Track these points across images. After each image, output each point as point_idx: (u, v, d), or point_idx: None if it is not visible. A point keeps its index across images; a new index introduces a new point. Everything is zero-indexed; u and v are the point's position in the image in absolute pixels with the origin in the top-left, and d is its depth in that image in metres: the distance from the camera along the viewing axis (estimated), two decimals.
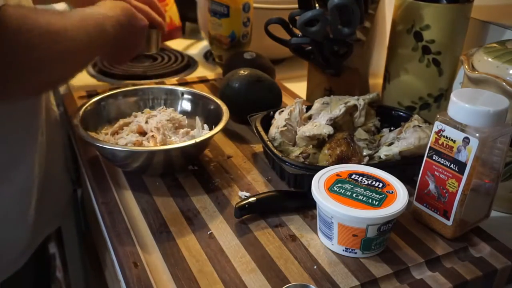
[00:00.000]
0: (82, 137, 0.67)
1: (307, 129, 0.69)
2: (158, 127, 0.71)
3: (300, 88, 0.98)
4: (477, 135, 0.52)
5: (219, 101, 0.75)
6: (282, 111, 0.75)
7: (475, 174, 0.54)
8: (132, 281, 0.52)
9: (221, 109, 0.73)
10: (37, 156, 0.73)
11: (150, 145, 0.69)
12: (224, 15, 0.97)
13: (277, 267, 0.54)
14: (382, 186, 0.56)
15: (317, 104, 0.76)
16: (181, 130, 0.73)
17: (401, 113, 0.78)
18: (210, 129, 0.73)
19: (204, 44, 1.28)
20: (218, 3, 0.97)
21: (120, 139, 0.71)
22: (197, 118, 0.76)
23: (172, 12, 1.24)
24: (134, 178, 0.69)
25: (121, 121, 0.75)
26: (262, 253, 0.56)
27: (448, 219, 0.57)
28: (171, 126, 0.73)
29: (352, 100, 0.73)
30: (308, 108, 0.76)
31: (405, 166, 0.67)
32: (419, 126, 0.69)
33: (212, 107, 0.76)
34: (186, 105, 0.80)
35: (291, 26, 0.84)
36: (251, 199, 0.62)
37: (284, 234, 0.59)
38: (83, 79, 1.02)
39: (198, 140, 0.66)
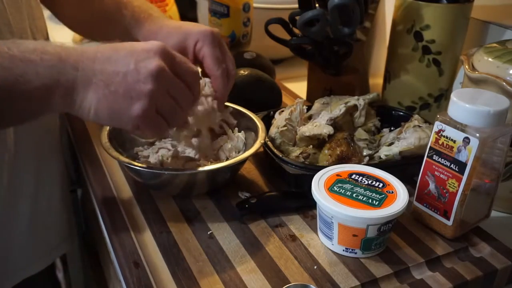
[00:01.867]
0: (119, 161, 0.61)
1: (307, 129, 0.69)
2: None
3: (300, 88, 0.98)
4: (477, 135, 0.52)
5: (255, 118, 0.71)
6: (282, 111, 0.75)
7: (475, 174, 0.54)
8: (132, 281, 0.52)
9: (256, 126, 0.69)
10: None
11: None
12: (224, 15, 0.97)
13: (277, 267, 0.54)
14: (382, 186, 0.56)
15: (317, 104, 0.76)
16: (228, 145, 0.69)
17: (401, 113, 0.78)
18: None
19: None
20: (218, 3, 0.97)
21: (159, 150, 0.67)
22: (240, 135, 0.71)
23: (172, 12, 1.24)
24: (134, 178, 0.69)
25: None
26: (262, 253, 0.56)
27: (448, 219, 0.57)
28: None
29: (352, 100, 0.73)
30: (308, 108, 0.76)
31: (405, 166, 0.67)
32: (419, 126, 0.69)
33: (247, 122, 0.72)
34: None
35: (291, 26, 0.84)
36: (251, 199, 0.62)
37: (284, 234, 0.59)
38: None
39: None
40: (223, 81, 0.65)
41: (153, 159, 0.66)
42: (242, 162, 0.65)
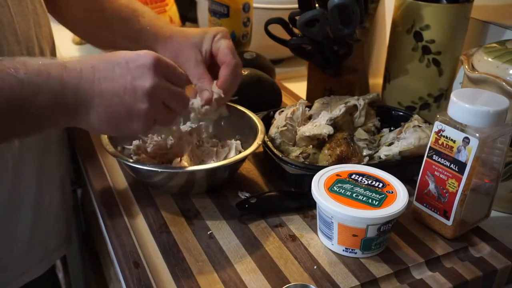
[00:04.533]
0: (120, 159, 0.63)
1: (307, 129, 0.69)
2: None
3: (300, 88, 0.98)
4: (477, 135, 0.52)
5: (254, 116, 0.72)
6: (282, 111, 0.75)
7: (475, 174, 0.54)
8: (132, 281, 0.52)
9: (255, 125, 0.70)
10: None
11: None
12: (224, 15, 0.97)
13: (277, 267, 0.54)
14: (382, 186, 0.56)
15: (317, 104, 0.76)
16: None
17: (401, 113, 0.78)
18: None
19: None
20: (218, 3, 0.97)
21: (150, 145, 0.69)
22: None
23: (172, 12, 1.24)
24: (134, 178, 0.69)
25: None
26: (262, 253, 0.56)
27: (448, 219, 0.57)
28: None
29: (352, 100, 0.73)
30: (308, 108, 0.76)
31: (405, 166, 0.67)
32: (419, 126, 0.69)
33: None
34: None
35: (291, 26, 0.84)
36: (251, 199, 0.62)
37: (284, 234, 0.59)
38: None
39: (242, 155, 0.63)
40: (233, 72, 0.67)
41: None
42: (241, 161, 0.65)
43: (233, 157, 0.64)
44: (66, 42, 1.25)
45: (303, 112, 0.73)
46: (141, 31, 0.73)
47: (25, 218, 0.71)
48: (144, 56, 0.54)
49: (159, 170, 0.61)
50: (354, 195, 0.55)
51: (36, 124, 0.53)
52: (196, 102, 0.66)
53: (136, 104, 0.53)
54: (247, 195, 0.65)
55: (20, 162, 0.67)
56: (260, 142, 0.65)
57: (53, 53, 0.73)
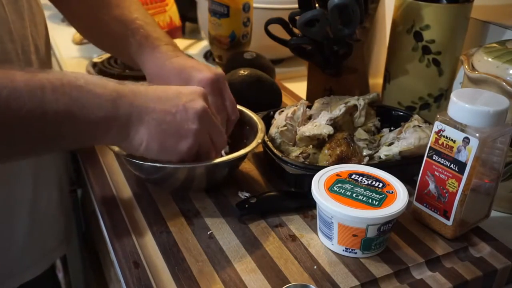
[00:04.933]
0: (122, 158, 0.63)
1: (307, 129, 0.69)
2: None
3: (300, 88, 0.98)
4: (477, 135, 0.52)
5: (254, 116, 0.72)
6: (282, 111, 0.75)
7: (475, 174, 0.54)
8: (132, 281, 0.52)
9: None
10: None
11: None
12: (224, 15, 0.97)
13: (277, 267, 0.54)
14: (382, 186, 0.56)
15: (317, 104, 0.76)
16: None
17: (401, 113, 0.78)
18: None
19: (204, 44, 1.28)
20: (218, 3, 0.97)
21: None
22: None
23: (172, 12, 1.24)
24: (134, 178, 0.69)
25: None
26: (262, 253, 0.56)
27: (448, 219, 0.57)
28: None
29: (352, 100, 0.73)
30: (308, 108, 0.76)
31: (405, 166, 0.67)
32: (419, 126, 0.69)
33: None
34: None
35: (291, 26, 0.84)
36: (251, 199, 0.62)
37: (284, 234, 0.59)
38: None
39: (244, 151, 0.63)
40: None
41: None
42: (240, 159, 0.65)
43: (233, 154, 0.63)
44: (66, 42, 1.25)
45: (304, 112, 0.73)
46: (130, 55, 0.72)
47: (22, 218, 0.71)
48: (194, 86, 0.59)
49: (158, 166, 0.60)
50: (354, 195, 0.55)
51: (90, 135, 0.53)
52: None
53: (187, 123, 0.56)
54: (247, 195, 0.65)
55: (17, 162, 0.67)
56: (260, 141, 0.65)
57: (48, 52, 0.73)
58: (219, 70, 0.70)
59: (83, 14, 0.75)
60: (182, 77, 0.67)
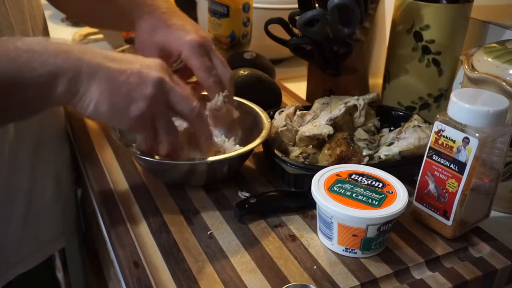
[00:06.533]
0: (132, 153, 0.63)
1: (307, 129, 0.69)
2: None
3: (300, 88, 0.99)
4: (477, 135, 0.52)
5: (258, 109, 0.72)
6: (282, 111, 0.75)
7: (475, 174, 0.54)
8: (132, 281, 0.52)
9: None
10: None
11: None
12: (224, 15, 0.97)
13: (277, 267, 0.54)
14: (382, 186, 0.56)
15: (317, 104, 0.76)
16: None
17: (401, 113, 0.78)
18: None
19: None
20: (218, 3, 0.97)
21: None
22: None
23: None
24: (134, 178, 0.69)
25: None
26: (262, 253, 0.56)
27: (448, 219, 0.57)
28: None
29: (352, 100, 0.73)
30: (308, 108, 0.76)
31: (404, 166, 0.67)
32: (419, 126, 0.69)
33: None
34: None
35: (291, 26, 0.84)
36: (251, 199, 0.62)
37: (284, 234, 0.59)
38: None
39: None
40: (217, 89, 0.66)
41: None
42: (239, 157, 0.64)
43: (233, 152, 0.64)
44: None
45: (294, 113, 0.73)
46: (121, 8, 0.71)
47: (18, 208, 0.71)
48: (156, 58, 0.55)
49: (158, 161, 0.61)
50: (354, 195, 0.55)
51: (34, 96, 0.50)
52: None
53: (140, 87, 0.52)
54: (247, 195, 0.65)
55: (16, 152, 0.67)
56: (261, 140, 0.65)
57: None
58: (207, 33, 0.68)
59: None
60: (168, 34, 0.65)
